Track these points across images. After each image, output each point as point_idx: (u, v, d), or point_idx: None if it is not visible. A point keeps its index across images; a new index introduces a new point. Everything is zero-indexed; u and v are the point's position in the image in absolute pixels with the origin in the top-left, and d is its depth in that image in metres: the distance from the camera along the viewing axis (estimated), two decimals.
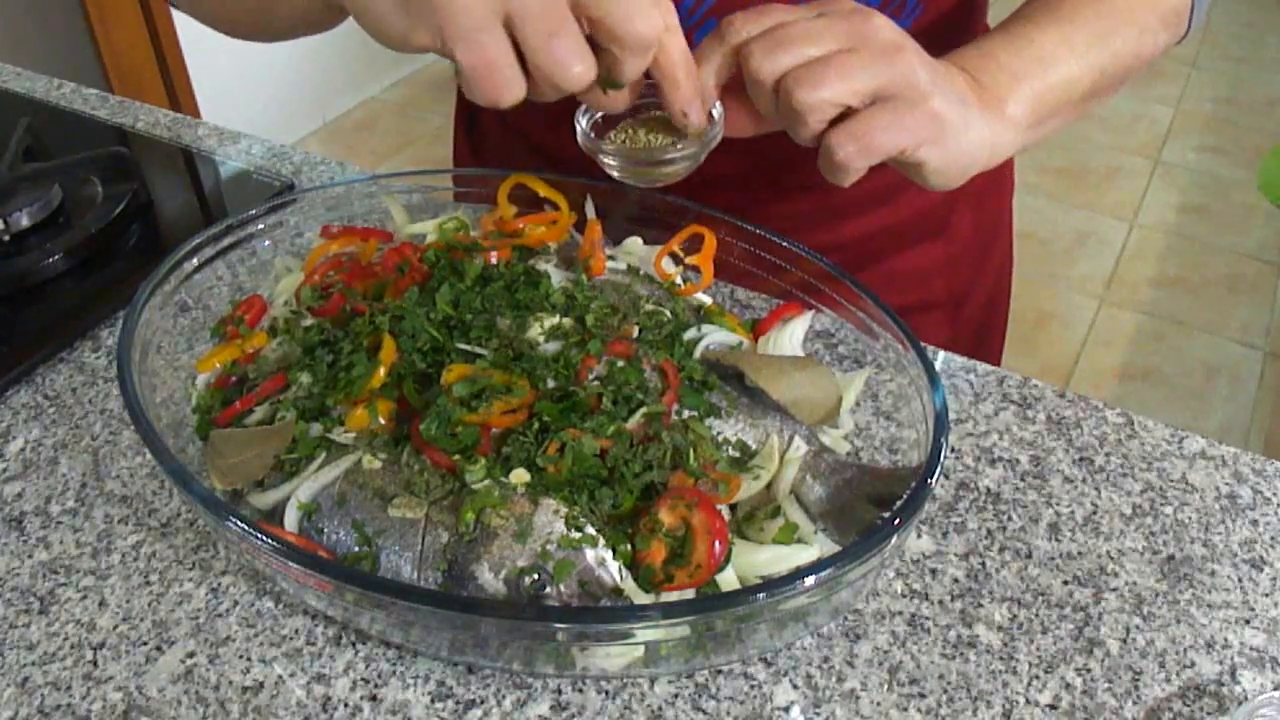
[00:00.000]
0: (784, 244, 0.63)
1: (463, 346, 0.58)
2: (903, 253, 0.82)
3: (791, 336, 0.64)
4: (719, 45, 0.54)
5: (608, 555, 0.49)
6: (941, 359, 0.70)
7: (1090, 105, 0.62)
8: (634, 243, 0.70)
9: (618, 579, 0.49)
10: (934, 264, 0.83)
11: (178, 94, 2.57)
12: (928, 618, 0.54)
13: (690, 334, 0.61)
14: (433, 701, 0.50)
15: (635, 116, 0.59)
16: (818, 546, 0.51)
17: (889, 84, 0.51)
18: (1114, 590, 0.55)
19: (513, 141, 0.84)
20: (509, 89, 0.50)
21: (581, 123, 0.58)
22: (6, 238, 0.77)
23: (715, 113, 0.56)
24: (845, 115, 0.52)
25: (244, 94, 2.79)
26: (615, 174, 0.59)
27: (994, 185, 0.87)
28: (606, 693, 0.50)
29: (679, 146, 0.56)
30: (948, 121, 0.53)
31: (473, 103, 0.89)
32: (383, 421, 0.54)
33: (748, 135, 0.57)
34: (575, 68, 0.49)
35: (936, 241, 0.83)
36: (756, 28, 0.53)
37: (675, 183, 0.60)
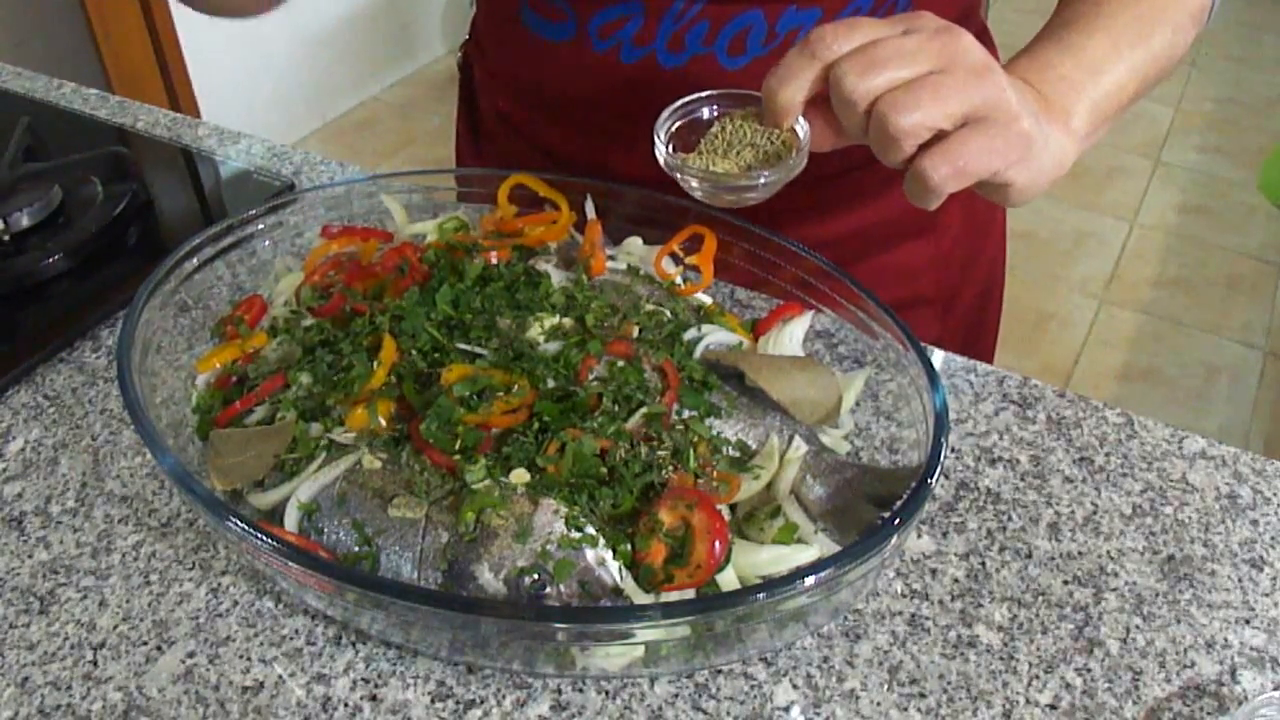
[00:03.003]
0: (784, 244, 0.63)
1: (463, 346, 0.58)
2: (891, 249, 0.82)
3: (791, 336, 0.64)
4: (809, 60, 0.52)
5: (608, 555, 0.49)
6: (941, 359, 0.70)
7: (1127, 110, 0.63)
8: (634, 243, 0.70)
9: (618, 579, 0.49)
10: (922, 261, 0.83)
11: (178, 94, 2.57)
12: (928, 618, 0.54)
13: (690, 334, 0.61)
14: (433, 701, 0.50)
15: (719, 123, 0.58)
16: (818, 546, 0.51)
17: (981, 106, 0.51)
18: (1114, 590, 0.55)
19: (514, 139, 0.84)
20: None
21: (660, 135, 0.58)
22: (6, 238, 0.77)
23: (801, 133, 0.55)
24: (936, 137, 0.51)
25: (244, 94, 2.79)
26: (697, 194, 0.58)
27: None
28: (606, 693, 0.50)
29: (765, 173, 0.55)
30: (1034, 141, 0.53)
31: (474, 102, 0.90)
32: (383, 421, 0.54)
33: (825, 150, 0.56)
34: None
35: (926, 239, 0.83)
36: (847, 44, 0.52)
37: (758, 203, 0.59)
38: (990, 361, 0.93)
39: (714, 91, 0.59)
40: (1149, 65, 0.62)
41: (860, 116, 0.51)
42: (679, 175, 0.57)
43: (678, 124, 0.59)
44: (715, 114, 0.59)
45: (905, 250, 0.82)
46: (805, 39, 0.53)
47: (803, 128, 0.55)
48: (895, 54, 0.51)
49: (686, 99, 0.59)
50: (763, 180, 0.56)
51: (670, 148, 0.58)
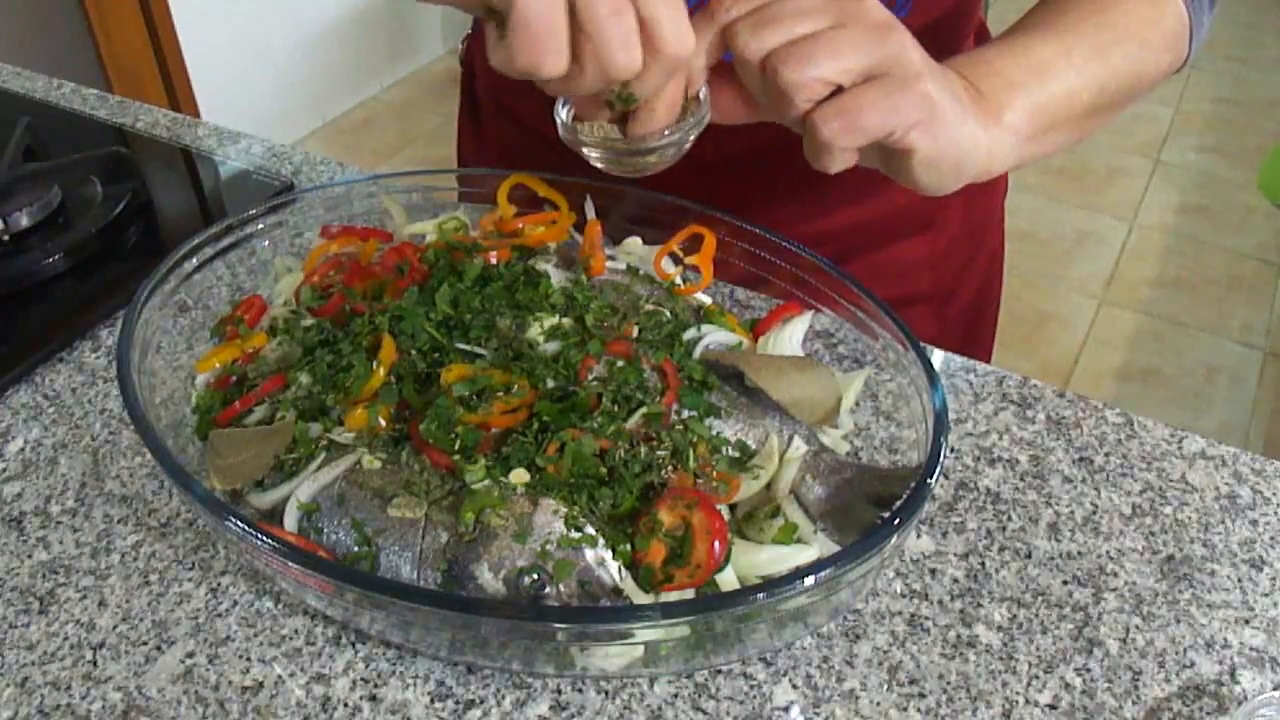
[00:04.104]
0: (784, 244, 0.63)
1: (462, 346, 0.58)
2: (889, 246, 0.82)
3: (791, 336, 0.64)
4: (708, 24, 0.52)
5: (607, 555, 0.49)
6: (941, 359, 0.70)
7: (1092, 124, 0.61)
8: (634, 243, 0.70)
9: (617, 579, 0.49)
10: (920, 258, 0.83)
11: (178, 94, 2.57)
12: (927, 618, 0.54)
13: (690, 334, 0.61)
14: (432, 701, 0.50)
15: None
16: (817, 546, 0.51)
17: (880, 62, 0.49)
18: (1114, 590, 0.55)
19: (517, 133, 0.84)
20: (555, 58, 0.47)
21: (561, 114, 0.56)
22: (6, 238, 0.77)
23: (702, 95, 0.54)
24: (833, 96, 0.50)
25: (244, 94, 2.79)
26: (599, 165, 0.57)
27: (985, 183, 0.87)
28: (606, 693, 0.50)
29: (664, 133, 0.54)
30: (940, 107, 0.51)
31: (477, 96, 0.90)
32: (382, 422, 0.54)
33: (737, 122, 0.55)
34: (624, 55, 0.47)
35: (924, 236, 0.83)
36: (746, 6, 0.51)
37: (661, 170, 0.57)
38: (988, 360, 0.93)
39: None
40: (1108, 78, 0.60)
41: (758, 75, 0.50)
42: (578, 147, 0.56)
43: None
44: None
45: (904, 247, 0.82)
46: (706, 4, 0.52)
47: (703, 92, 0.54)
48: (790, 12, 0.50)
49: None
50: (660, 143, 0.54)
51: (573, 124, 0.56)
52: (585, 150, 0.56)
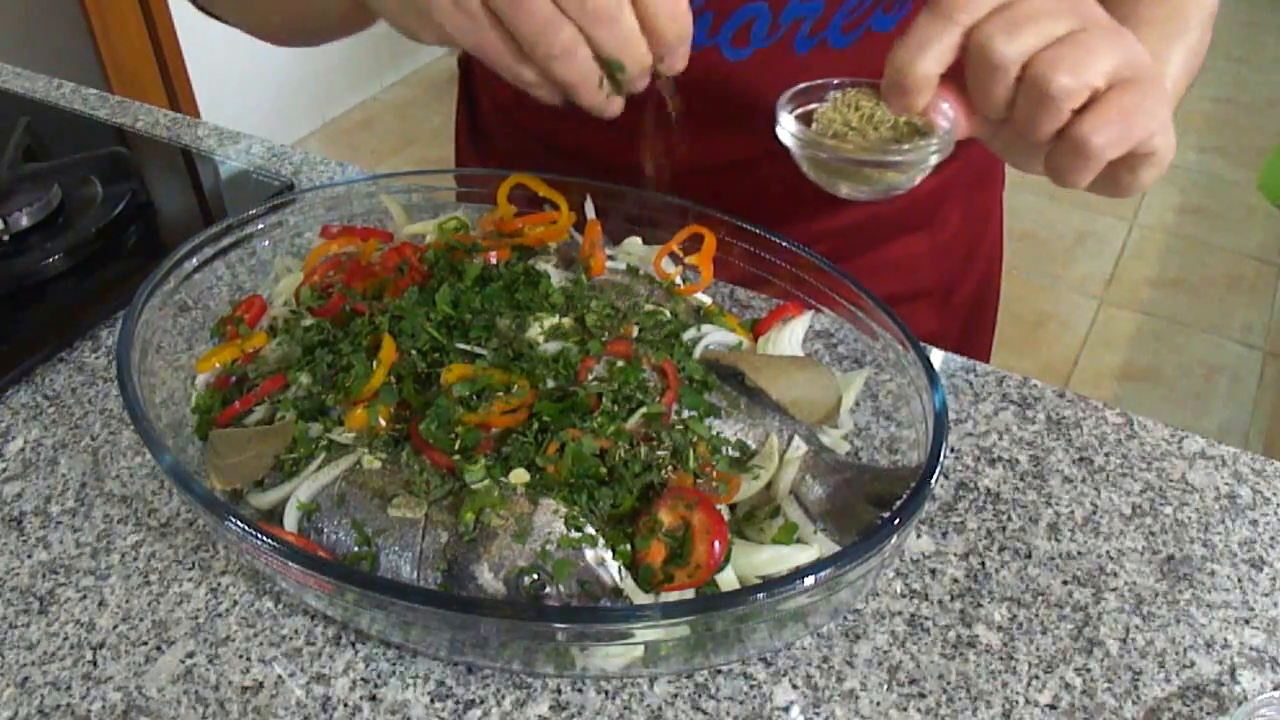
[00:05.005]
0: (784, 244, 0.63)
1: (462, 346, 0.58)
2: (892, 242, 0.82)
3: (791, 336, 0.64)
4: (944, 25, 0.47)
5: (607, 555, 0.49)
6: (941, 359, 0.70)
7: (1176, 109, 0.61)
8: (634, 243, 0.70)
9: (617, 579, 0.49)
10: (922, 253, 0.84)
11: (177, 94, 2.57)
12: (927, 618, 0.54)
13: (690, 334, 0.61)
14: (432, 701, 0.50)
15: (830, 102, 0.54)
16: (817, 546, 0.51)
17: (1125, 65, 0.47)
18: (1113, 590, 0.55)
19: (515, 134, 0.84)
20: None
21: (791, 124, 0.52)
22: (6, 238, 0.77)
23: (945, 112, 0.49)
24: (1090, 104, 0.47)
25: (244, 94, 2.79)
26: (821, 177, 0.53)
27: (984, 175, 0.87)
28: (606, 693, 0.50)
29: (932, 143, 0.49)
30: (1168, 105, 0.49)
31: (474, 97, 0.90)
32: (382, 422, 0.54)
33: (957, 138, 0.52)
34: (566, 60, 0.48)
35: (925, 231, 0.83)
36: (984, 4, 0.47)
37: (898, 195, 0.53)
38: (988, 356, 0.93)
39: (826, 80, 0.55)
40: (1190, 61, 0.59)
41: (1009, 84, 0.47)
42: (811, 151, 0.52)
43: (796, 110, 0.55)
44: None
45: (907, 242, 0.83)
46: (931, 3, 0.48)
47: (946, 115, 0.50)
48: (1039, 13, 0.47)
49: (803, 85, 0.55)
50: (904, 158, 0.50)
51: (799, 125, 0.53)
52: (818, 154, 0.52)
